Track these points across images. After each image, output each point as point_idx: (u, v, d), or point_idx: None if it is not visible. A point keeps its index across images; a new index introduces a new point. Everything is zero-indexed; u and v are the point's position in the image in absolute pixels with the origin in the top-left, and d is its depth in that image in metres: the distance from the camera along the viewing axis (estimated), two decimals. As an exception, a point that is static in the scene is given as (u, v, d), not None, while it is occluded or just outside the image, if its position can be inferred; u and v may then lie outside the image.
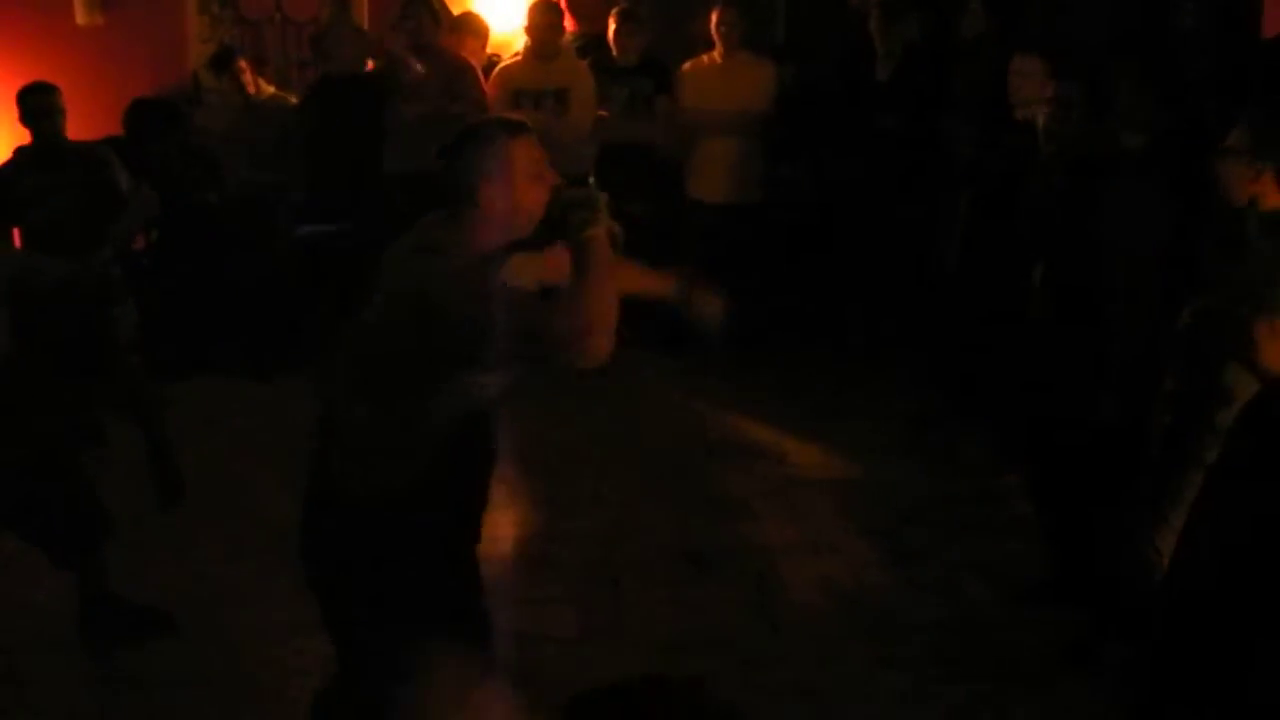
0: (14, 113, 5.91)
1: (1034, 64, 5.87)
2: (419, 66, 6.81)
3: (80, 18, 7.98)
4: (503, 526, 5.33)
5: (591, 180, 7.40)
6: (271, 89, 7.70)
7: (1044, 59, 5.88)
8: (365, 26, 8.04)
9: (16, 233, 5.91)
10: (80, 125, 5.89)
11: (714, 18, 7.20)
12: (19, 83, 6.00)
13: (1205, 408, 3.40)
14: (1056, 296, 4.88)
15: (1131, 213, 4.52)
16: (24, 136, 5.89)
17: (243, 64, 7.54)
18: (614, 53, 7.34)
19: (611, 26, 7.32)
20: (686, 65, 7.36)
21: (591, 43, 7.77)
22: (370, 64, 7.57)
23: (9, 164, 5.85)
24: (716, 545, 5.21)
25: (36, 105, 5.68)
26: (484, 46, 7.60)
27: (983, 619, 4.62)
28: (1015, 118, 5.95)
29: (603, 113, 7.20)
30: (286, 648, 4.25)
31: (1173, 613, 3.00)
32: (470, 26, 7.53)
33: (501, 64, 7.38)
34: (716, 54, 7.28)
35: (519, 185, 3.01)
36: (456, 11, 7.84)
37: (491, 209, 2.98)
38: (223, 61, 7.55)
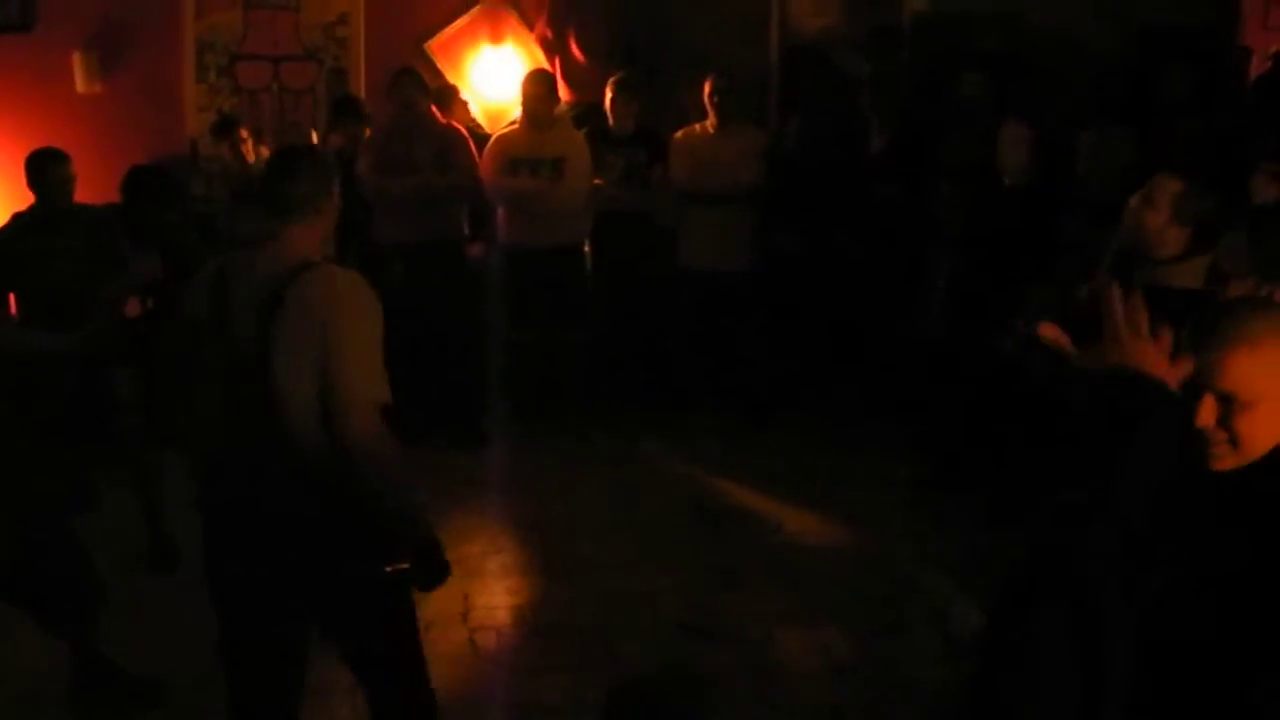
0: (14, 179, 5.91)
1: (1022, 132, 5.95)
2: None
3: (80, 85, 8.03)
4: (499, 595, 5.32)
5: (587, 248, 7.49)
6: (271, 158, 7.75)
7: (1032, 127, 5.96)
8: (362, 97, 8.11)
9: (13, 298, 5.88)
10: (78, 192, 5.87)
11: (706, 87, 7.25)
12: (19, 149, 6.00)
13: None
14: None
15: None
16: (22, 201, 5.89)
17: (244, 133, 7.60)
18: (610, 122, 7.40)
19: (608, 96, 7.38)
20: (679, 134, 7.40)
21: (588, 112, 7.84)
22: (368, 131, 7.64)
23: (6, 229, 5.81)
24: (713, 614, 5.19)
25: (55, 174, 5.63)
26: (467, 115, 7.69)
27: (982, 687, 4.59)
28: (1005, 184, 6.02)
29: (598, 181, 7.25)
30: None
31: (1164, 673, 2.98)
32: (452, 98, 7.63)
33: (498, 133, 7.44)
34: (709, 123, 7.33)
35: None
36: (458, 82, 7.96)
37: (326, 220, 3.40)
38: (225, 128, 7.61)
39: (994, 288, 5.79)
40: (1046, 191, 5.93)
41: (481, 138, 7.44)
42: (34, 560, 4.15)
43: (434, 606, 4.68)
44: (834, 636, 5.02)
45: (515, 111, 7.58)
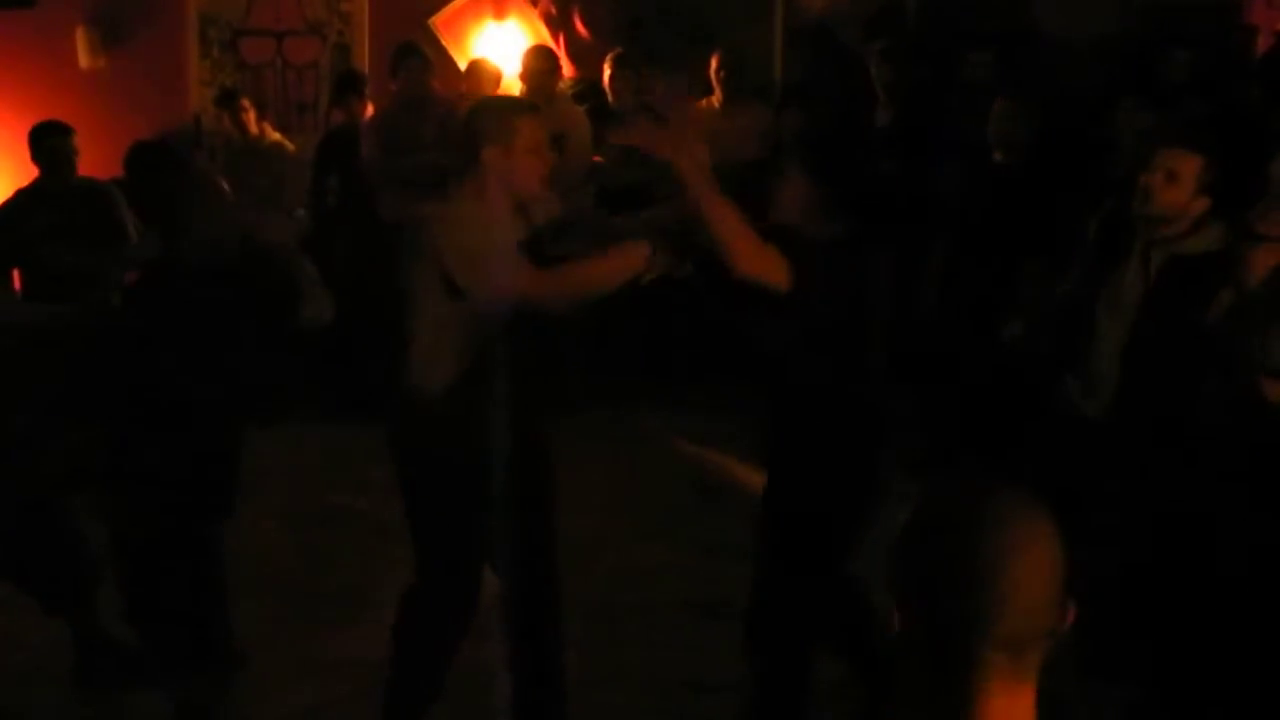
0: (17, 154, 5.91)
1: (1018, 108, 5.90)
2: None
3: (83, 61, 8.02)
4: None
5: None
6: (277, 135, 7.74)
7: (1028, 104, 5.91)
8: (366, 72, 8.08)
9: (17, 274, 5.89)
10: (82, 167, 5.89)
11: (713, 63, 7.24)
12: (22, 125, 6.01)
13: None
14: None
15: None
16: (26, 177, 5.89)
17: (246, 103, 7.59)
18: (610, 98, 7.37)
19: (607, 72, 7.36)
20: (684, 110, 7.40)
21: (589, 89, 7.81)
22: (369, 108, 7.60)
23: (11, 204, 5.81)
24: (715, 589, 5.19)
25: (57, 148, 5.63)
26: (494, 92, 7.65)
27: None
28: (998, 161, 5.98)
29: (598, 158, 7.23)
30: (282, 691, 4.22)
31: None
32: (481, 74, 7.57)
33: (500, 109, 7.40)
34: (714, 99, 7.31)
35: (517, 153, 3.50)
36: (463, 58, 7.92)
37: (491, 169, 3.47)
38: (227, 98, 7.60)
39: (989, 271, 5.79)
40: (1045, 170, 5.90)
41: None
42: (32, 538, 4.17)
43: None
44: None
45: (518, 88, 7.55)
